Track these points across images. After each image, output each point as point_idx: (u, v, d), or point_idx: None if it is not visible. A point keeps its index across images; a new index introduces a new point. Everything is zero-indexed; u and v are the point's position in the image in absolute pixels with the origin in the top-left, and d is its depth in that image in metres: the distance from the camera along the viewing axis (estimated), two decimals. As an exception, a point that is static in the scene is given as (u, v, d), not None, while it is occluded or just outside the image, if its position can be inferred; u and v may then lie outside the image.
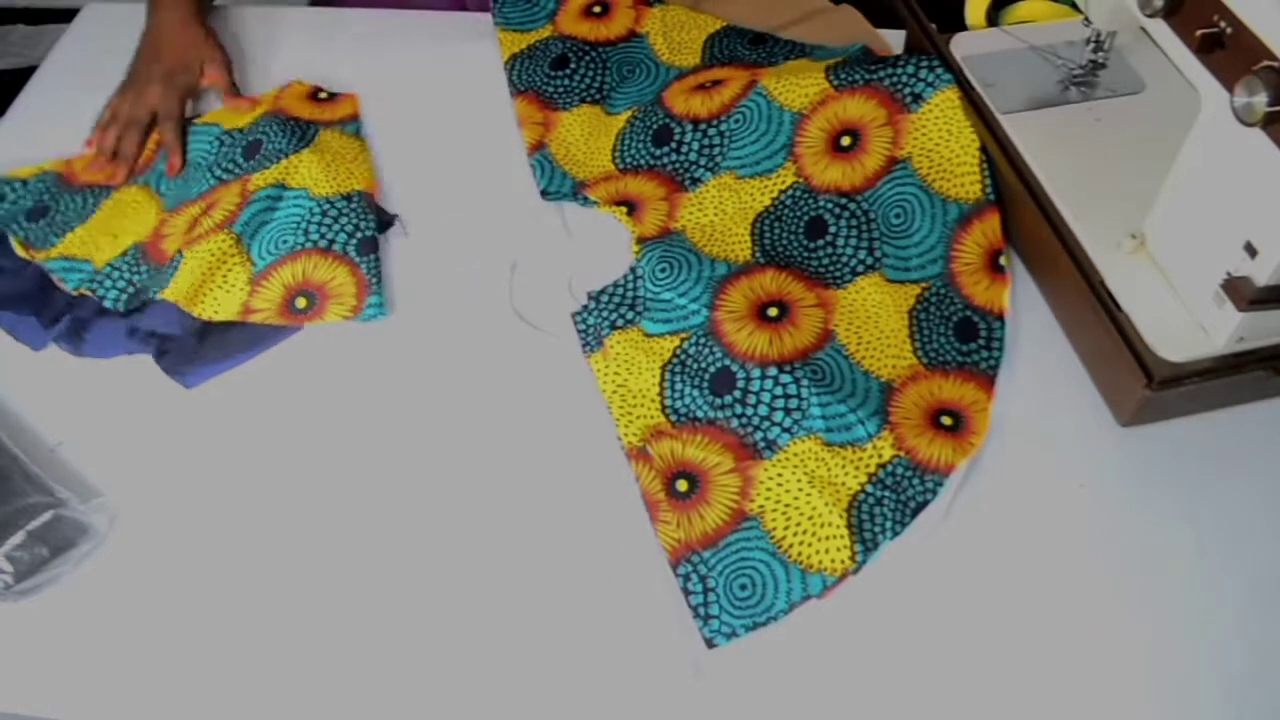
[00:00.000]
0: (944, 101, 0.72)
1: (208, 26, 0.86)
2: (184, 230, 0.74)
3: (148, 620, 0.57)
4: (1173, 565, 0.56)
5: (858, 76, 0.74)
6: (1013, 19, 0.80)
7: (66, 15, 0.95)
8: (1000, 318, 0.66)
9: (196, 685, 0.55)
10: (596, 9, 0.88)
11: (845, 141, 0.73)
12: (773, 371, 0.63)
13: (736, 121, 0.76)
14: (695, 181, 0.75)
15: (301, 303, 0.69)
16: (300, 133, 0.79)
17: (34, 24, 0.88)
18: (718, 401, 0.63)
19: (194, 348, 0.69)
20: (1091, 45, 0.71)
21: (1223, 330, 0.57)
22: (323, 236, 0.72)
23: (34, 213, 0.77)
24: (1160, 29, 0.56)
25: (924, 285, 0.67)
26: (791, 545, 0.57)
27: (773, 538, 0.57)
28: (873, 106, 0.73)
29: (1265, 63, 0.48)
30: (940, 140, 0.72)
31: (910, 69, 0.73)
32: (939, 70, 0.73)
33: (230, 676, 0.55)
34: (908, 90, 0.73)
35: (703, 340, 0.65)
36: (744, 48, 0.84)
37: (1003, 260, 0.68)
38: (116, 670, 0.55)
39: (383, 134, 0.82)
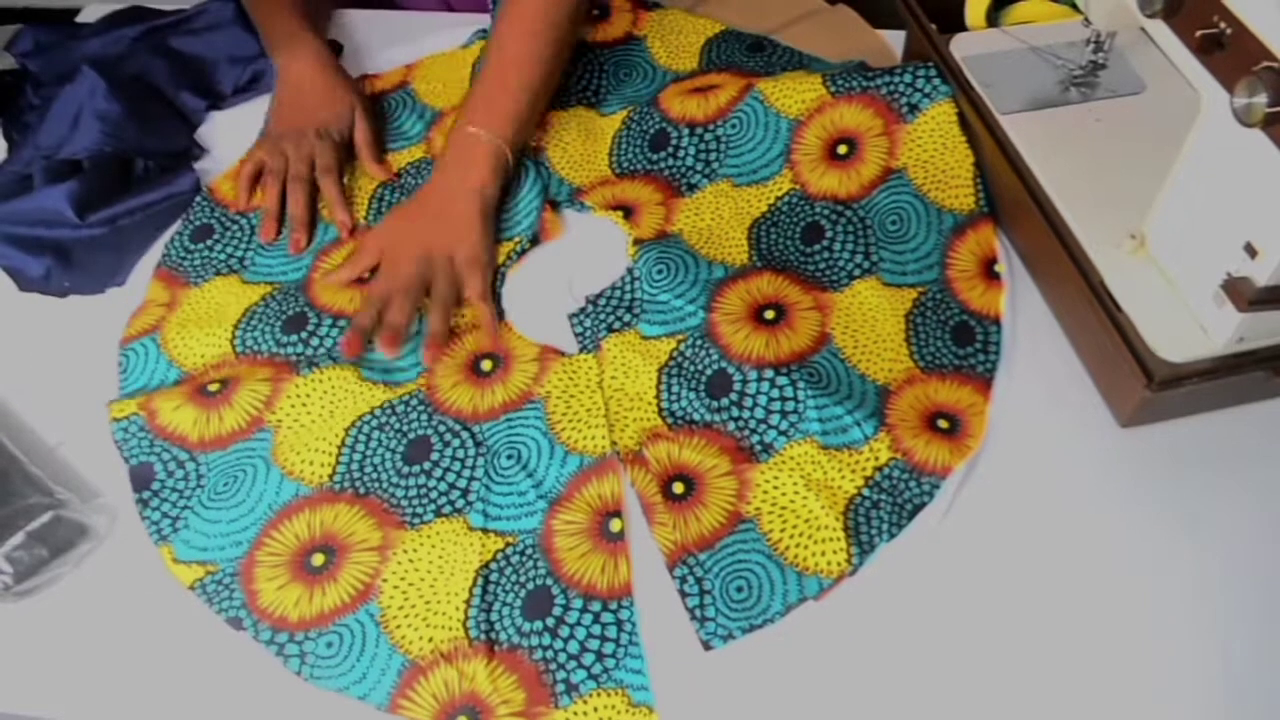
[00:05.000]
0: (940, 114, 0.72)
1: (345, 71, 0.82)
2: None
3: (148, 621, 0.57)
4: (1173, 565, 0.55)
5: (855, 84, 0.74)
6: (1012, 19, 0.79)
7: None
8: (996, 322, 0.66)
9: (196, 685, 0.55)
10: (595, 11, 0.88)
11: (841, 150, 0.73)
12: (769, 374, 0.62)
13: (733, 127, 0.76)
14: (692, 187, 0.75)
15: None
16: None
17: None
18: (714, 404, 0.62)
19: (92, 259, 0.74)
20: (1091, 46, 0.71)
21: (1223, 331, 0.57)
22: None
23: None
24: (1160, 30, 0.56)
25: (921, 290, 0.67)
26: (788, 548, 0.57)
27: (769, 540, 0.57)
28: (869, 116, 0.73)
29: (1265, 63, 0.48)
30: (935, 153, 0.72)
31: (908, 78, 0.73)
32: (936, 81, 0.73)
33: (230, 676, 0.55)
34: (904, 100, 0.73)
35: (699, 342, 0.65)
36: (742, 54, 0.84)
37: (998, 267, 0.68)
38: (117, 671, 0.56)
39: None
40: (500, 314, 0.69)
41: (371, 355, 0.66)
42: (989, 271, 0.68)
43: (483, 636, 0.54)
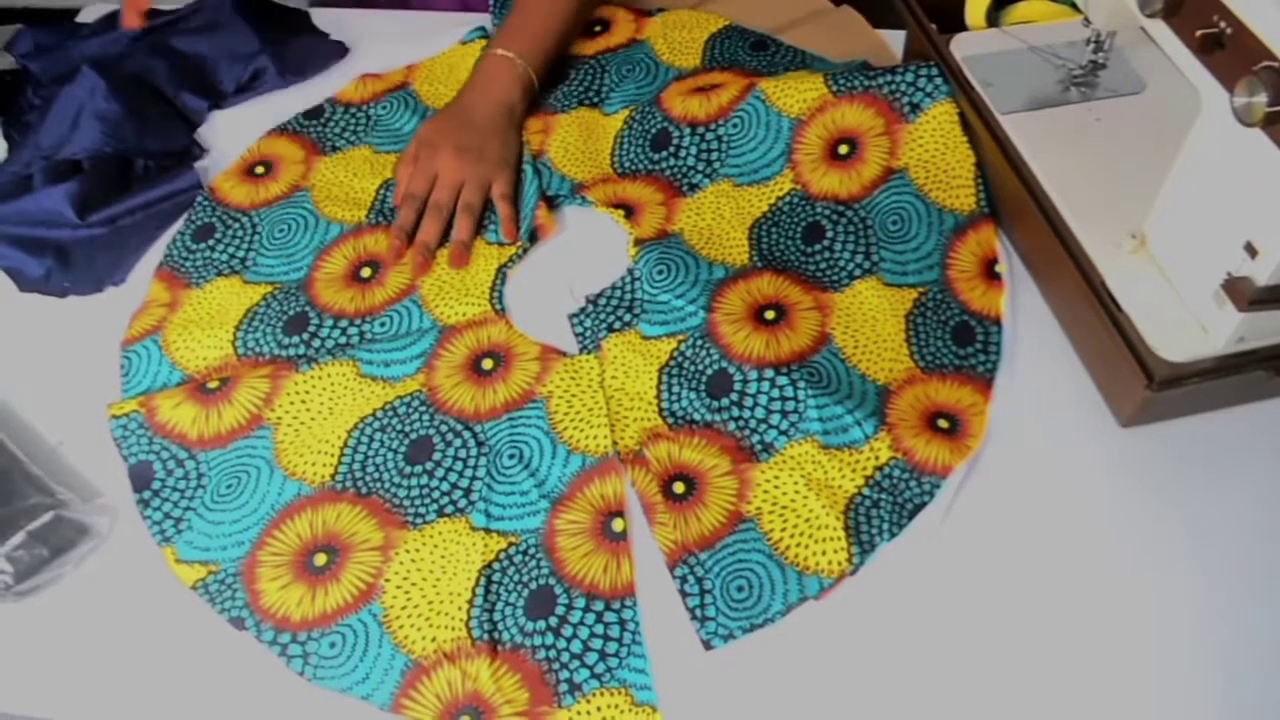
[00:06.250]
0: (941, 114, 0.72)
1: (518, 125, 0.79)
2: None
3: (149, 621, 0.57)
4: (1173, 565, 0.56)
5: (856, 83, 0.74)
6: (1013, 19, 0.80)
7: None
8: (997, 323, 0.66)
9: (199, 686, 0.55)
10: (597, 27, 0.88)
11: (843, 150, 0.73)
12: (769, 374, 0.63)
13: (735, 126, 0.76)
14: (693, 187, 0.75)
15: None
16: None
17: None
18: (715, 404, 0.62)
19: (89, 258, 0.74)
20: (1091, 45, 0.71)
21: (1223, 330, 0.57)
22: None
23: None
24: (1160, 29, 0.56)
25: (921, 290, 0.67)
26: (789, 547, 0.57)
27: (770, 539, 0.57)
28: (870, 115, 0.73)
29: (1265, 63, 0.48)
30: (937, 152, 0.72)
31: (909, 77, 0.73)
32: (937, 81, 0.73)
33: (233, 677, 0.55)
34: (905, 100, 0.73)
35: (700, 342, 0.65)
36: (745, 52, 0.84)
37: (998, 268, 0.68)
38: (118, 671, 0.56)
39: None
40: (501, 310, 0.69)
41: (371, 350, 0.66)
42: (989, 272, 0.68)
43: (486, 636, 0.54)
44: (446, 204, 0.74)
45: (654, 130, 0.78)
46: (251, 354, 0.68)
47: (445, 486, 0.61)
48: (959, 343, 0.65)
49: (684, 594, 0.56)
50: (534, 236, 0.74)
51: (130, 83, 0.83)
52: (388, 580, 0.57)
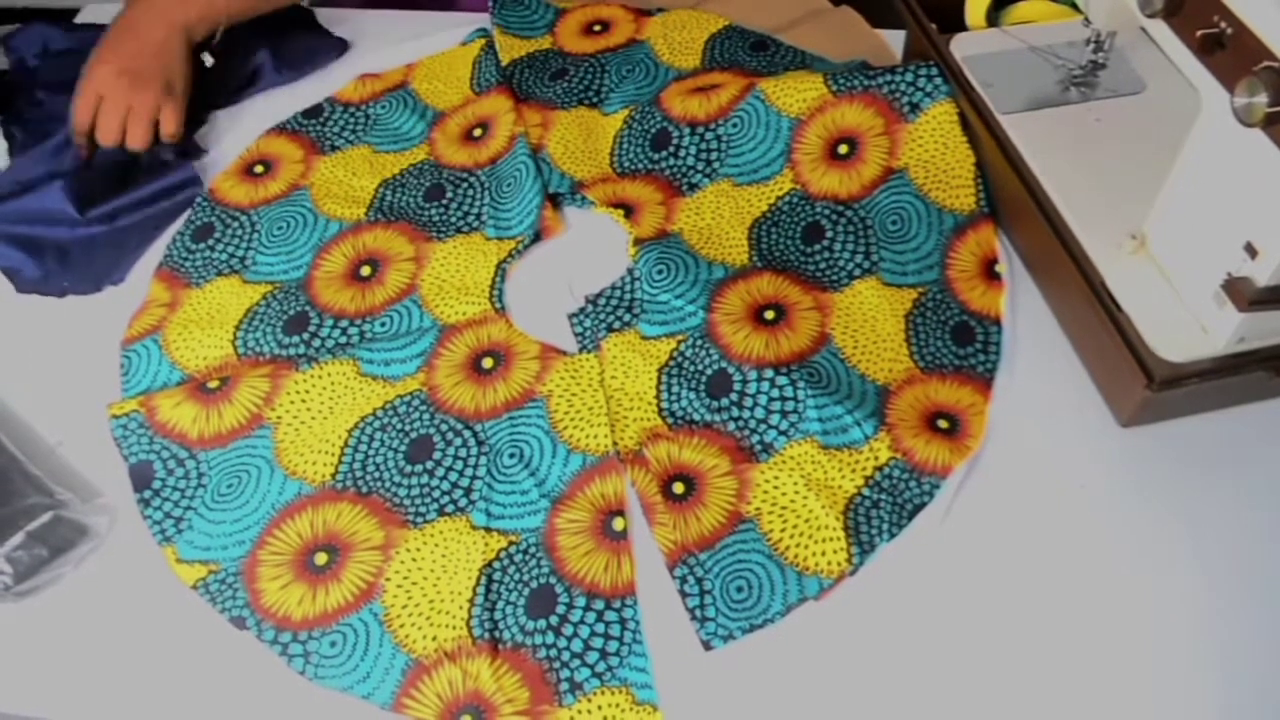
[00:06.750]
0: (941, 114, 0.72)
1: (189, 47, 0.80)
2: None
3: (149, 620, 0.57)
4: (1173, 565, 0.56)
5: (856, 83, 0.74)
6: (1013, 19, 0.80)
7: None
8: (997, 322, 0.66)
9: (199, 686, 0.55)
10: (596, 27, 0.88)
11: (842, 150, 0.73)
12: (769, 374, 0.63)
13: (734, 126, 0.76)
14: (693, 187, 0.75)
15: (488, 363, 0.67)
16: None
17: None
18: (714, 404, 0.62)
19: (87, 259, 0.75)
20: (1091, 45, 0.71)
21: (1223, 331, 0.57)
22: None
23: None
24: (1160, 29, 0.56)
25: (921, 290, 0.67)
26: (788, 547, 0.57)
27: (769, 540, 0.57)
28: (870, 115, 0.73)
29: (1265, 63, 0.48)
30: (937, 152, 0.72)
31: (909, 77, 0.73)
32: (937, 80, 0.73)
33: (234, 676, 0.55)
34: (905, 99, 0.73)
35: (700, 342, 0.65)
36: (745, 53, 0.84)
37: (998, 268, 0.68)
38: (118, 671, 0.56)
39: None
40: (501, 309, 0.69)
41: (371, 349, 0.66)
42: (989, 272, 0.68)
43: (486, 635, 0.54)
44: (114, 131, 0.76)
45: (654, 130, 0.78)
46: (251, 353, 0.68)
47: (446, 486, 0.61)
48: (959, 343, 0.65)
49: (684, 594, 0.56)
50: (538, 235, 0.74)
51: None
52: (388, 579, 0.57)
